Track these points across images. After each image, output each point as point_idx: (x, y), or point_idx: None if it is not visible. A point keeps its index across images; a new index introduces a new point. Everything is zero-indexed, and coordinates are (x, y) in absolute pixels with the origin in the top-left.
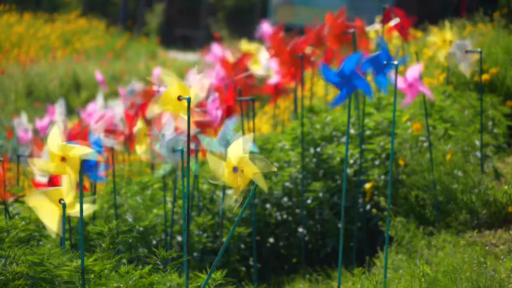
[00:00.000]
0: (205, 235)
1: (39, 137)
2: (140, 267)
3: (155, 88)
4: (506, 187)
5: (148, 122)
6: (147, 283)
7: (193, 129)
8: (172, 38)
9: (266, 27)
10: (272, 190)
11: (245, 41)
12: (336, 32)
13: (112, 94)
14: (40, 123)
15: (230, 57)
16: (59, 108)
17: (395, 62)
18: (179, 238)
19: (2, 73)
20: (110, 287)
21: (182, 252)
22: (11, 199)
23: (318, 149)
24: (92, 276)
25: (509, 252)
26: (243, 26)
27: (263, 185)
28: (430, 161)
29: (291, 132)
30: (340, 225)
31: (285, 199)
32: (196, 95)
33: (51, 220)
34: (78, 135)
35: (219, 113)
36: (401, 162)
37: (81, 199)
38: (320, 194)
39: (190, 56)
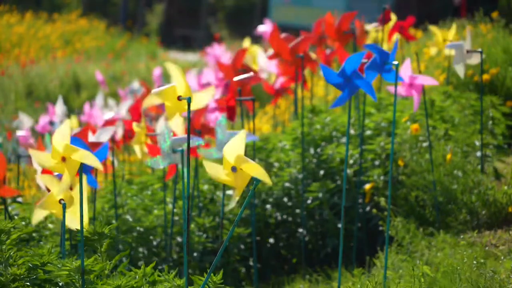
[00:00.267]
0: (205, 235)
1: (40, 137)
2: (144, 266)
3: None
4: (506, 187)
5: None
6: (151, 280)
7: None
8: (172, 38)
9: (268, 27)
10: (272, 190)
11: (247, 40)
12: (336, 33)
13: (112, 95)
14: (40, 123)
15: (227, 59)
16: (59, 108)
17: (395, 62)
18: (179, 239)
19: (2, 74)
20: (110, 287)
21: (182, 252)
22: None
23: (318, 150)
24: (92, 276)
25: (509, 253)
26: (243, 26)
27: (266, 179)
28: (430, 162)
29: (291, 132)
30: (340, 225)
31: (285, 199)
32: (200, 101)
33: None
34: (78, 135)
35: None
36: (401, 163)
37: (81, 199)
38: (320, 195)
39: (190, 56)
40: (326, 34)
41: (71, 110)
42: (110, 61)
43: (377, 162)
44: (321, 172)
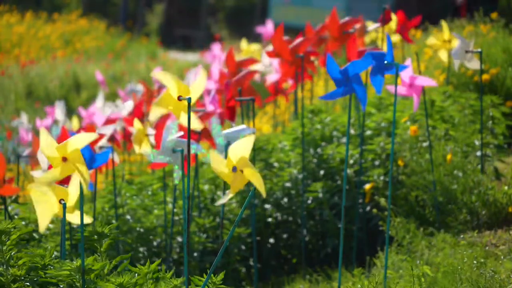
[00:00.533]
0: (205, 235)
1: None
2: (149, 263)
3: (156, 87)
4: (506, 187)
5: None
6: (155, 277)
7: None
8: (172, 38)
9: (269, 27)
10: (273, 190)
11: (245, 41)
12: (336, 33)
13: (112, 95)
14: (42, 123)
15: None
16: (59, 108)
17: (395, 62)
18: (180, 239)
19: (2, 74)
20: (113, 285)
21: (182, 252)
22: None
23: (319, 150)
24: (93, 276)
25: (509, 253)
26: (243, 26)
27: (261, 188)
28: (430, 162)
29: (291, 132)
30: (340, 225)
31: (285, 199)
32: (196, 92)
33: (44, 216)
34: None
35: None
36: (401, 163)
37: (81, 196)
38: (320, 195)
39: (190, 57)
40: (328, 30)
41: (71, 110)
42: (110, 61)
43: (377, 162)
44: (321, 172)
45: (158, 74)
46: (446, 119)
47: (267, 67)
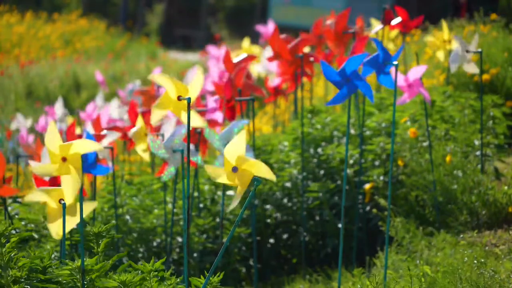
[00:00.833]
0: (205, 236)
1: (39, 137)
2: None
3: (155, 87)
4: (506, 187)
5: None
6: (160, 275)
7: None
8: (172, 38)
9: (270, 27)
10: (273, 190)
11: (247, 40)
12: (336, 33)
13: (112, 95)
14: (41, 123)
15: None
16: (59, 108)
17: (395, 63)
18: (179, 239)
19: (2, 74)
20: (115, 282)
21: (182, 253)
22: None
23: (319, 150)
24: (94, 276)
25: (509, 253)
26: (243, 26)
27: (269, 175)
28: (430, 162)
29: (291, 132)
30: (340, 225)
31: (285, 199)
32: (194, 91)
33: (54, 223)
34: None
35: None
36: (401, 163)
37: (81, 198)
38: (320, 195)
39: (190, 57)
40: (326, 38)
41: (71, 110)
42: (110, 61)
43: (377, 162)
44: (321, 172)
45: (155, 77)
46: (446, 119)
47: (269, 72)
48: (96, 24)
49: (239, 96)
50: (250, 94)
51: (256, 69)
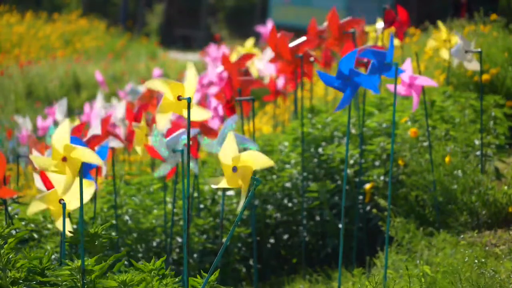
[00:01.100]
0: (204, 236)
1: (39, 137)
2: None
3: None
4: (506, 187)
5: (148, 122)
6: (161, 274)
7: (194, 130)
8: (172, 38)
9: (270, 27)
10: (273, 191)
11: (250, 41)
12: (335, 33)
13: (112, 95)
14: (42, 123)
15: (232, 56)
16: (60, 108)
17: (400, 67)
18: (179, 239)
19: (2, 74)
20: (116, 282)
21: (182, 253)
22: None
23: (319, 150)
24: (94, 276)
25: (509, 253)
26: (243, 26)
27: (268, 163)
28: (430, 162)
29: (291, 132)
30: (340, 225)
31: (285, 199)
32: (190, 89)
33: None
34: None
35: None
36: (401, 163)
37: (81, 200)
38: (320, 195)
39: (190, 57)
40: (329, 29)
41: (71, 110)
42: (110, 61)
43: (377, 162)
44: (321, 172)
45: (150, 83)
46: (446, 119)
47: (262, 72)
48: (96, 24)
49: (239, 96)
50: (251, 90)
51: (256, 66)
